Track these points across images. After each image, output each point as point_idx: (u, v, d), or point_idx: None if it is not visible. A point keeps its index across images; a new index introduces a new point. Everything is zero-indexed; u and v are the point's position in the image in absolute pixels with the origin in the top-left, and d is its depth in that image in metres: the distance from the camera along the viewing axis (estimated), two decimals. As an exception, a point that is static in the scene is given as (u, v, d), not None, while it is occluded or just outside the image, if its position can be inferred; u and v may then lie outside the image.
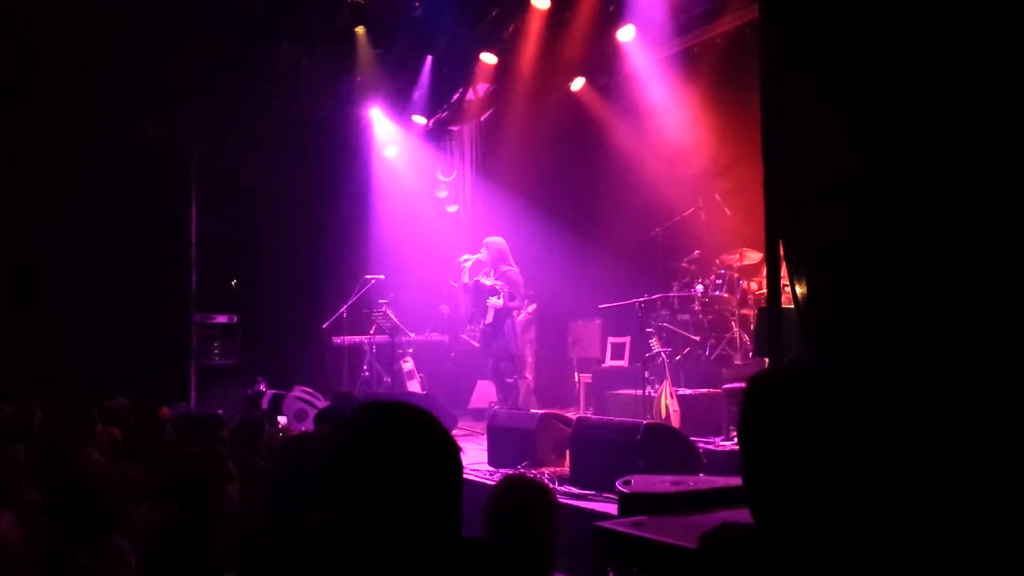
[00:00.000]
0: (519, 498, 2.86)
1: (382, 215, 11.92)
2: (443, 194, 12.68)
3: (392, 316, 10.11)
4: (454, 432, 1.69)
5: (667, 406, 6.97)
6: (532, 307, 9.90)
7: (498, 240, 8.50)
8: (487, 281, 8.31)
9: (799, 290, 3.25)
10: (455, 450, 1.60)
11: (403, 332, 10.32)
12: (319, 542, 2.43)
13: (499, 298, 8.17)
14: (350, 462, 1.54)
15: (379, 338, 10.32)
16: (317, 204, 11.78)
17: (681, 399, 7.10)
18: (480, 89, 11.42)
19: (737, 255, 8.19)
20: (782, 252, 3.48)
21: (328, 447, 1.58)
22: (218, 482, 3.20)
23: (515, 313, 8.41)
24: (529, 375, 9.69)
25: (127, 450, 4.79)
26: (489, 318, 8.27)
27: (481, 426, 7.54)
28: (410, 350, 10.62)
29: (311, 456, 3.83)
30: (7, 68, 9.34)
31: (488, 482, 5.88)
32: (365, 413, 1.62)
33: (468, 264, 8.45)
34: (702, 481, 4.63)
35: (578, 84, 10.20)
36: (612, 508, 4.63)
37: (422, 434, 1.57)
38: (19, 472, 3.65)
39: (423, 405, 1.64)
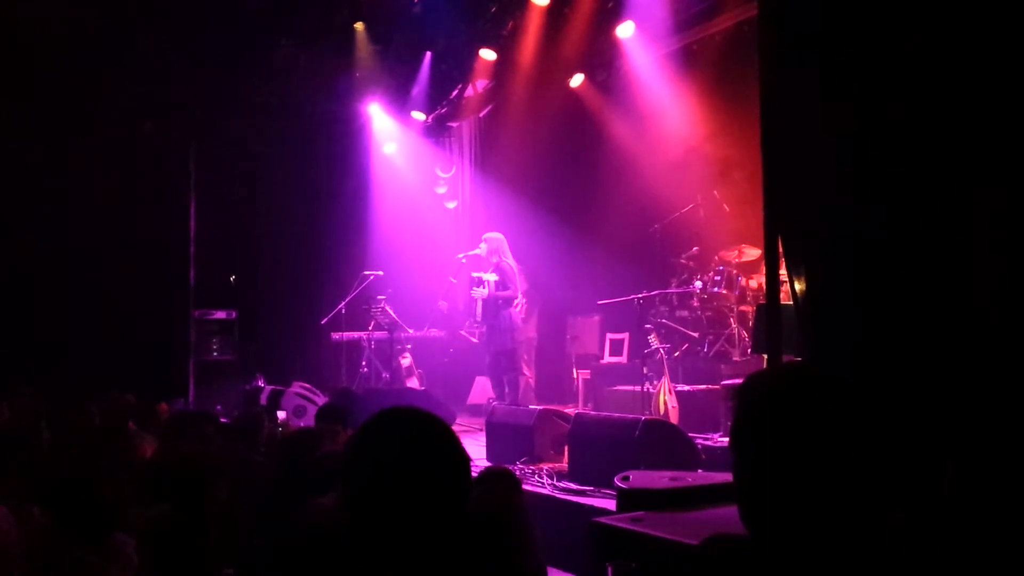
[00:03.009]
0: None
1: (381, 211, 11.91)
2: (442, 190, 12.67)
3: (391, 312, 10.11)
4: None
5: (665, 402, 6.98)
6: (523, 301, 9.86)
7: (496, 235, 8.50)
8: (476, 274, 8.32)
9: (798, 287, 3.26)
10: (463, 460, 1.73)
11: (402, 328, 10.33)
12: (317, 536, 2.44)
13: (483, 287, 8.16)
14: (362, 471, 1.68)
15: (378, 334, 10.32)
16: (316, 200, 11.77)
17: (680, 395, 7.11)
18: (479, 85, 11.41)
19: (736, 251, 8.19)
20: (781, 249, 3.48)
21: (344, 454, 1.75)
22: (210, 479, 3.21)
23: (513, 306, 8.39)
24: (528, 371, 9.69)
25: (126, 447, 4.79)
26: (478, 309, 8.27)
27: (480, 422, 7.53)
28: (408, 346, 10.62)
29: (310, 452, 3.85)
30: (7, 68, 9.33)
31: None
32: (378, 423, 1.73)
33: (466, 261, 8.45)
34: (700, 477, 4.65)
35: (577, 80, 10.19)
36: (611, 504, 4.65)
37: (432, 446, 1.70)
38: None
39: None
